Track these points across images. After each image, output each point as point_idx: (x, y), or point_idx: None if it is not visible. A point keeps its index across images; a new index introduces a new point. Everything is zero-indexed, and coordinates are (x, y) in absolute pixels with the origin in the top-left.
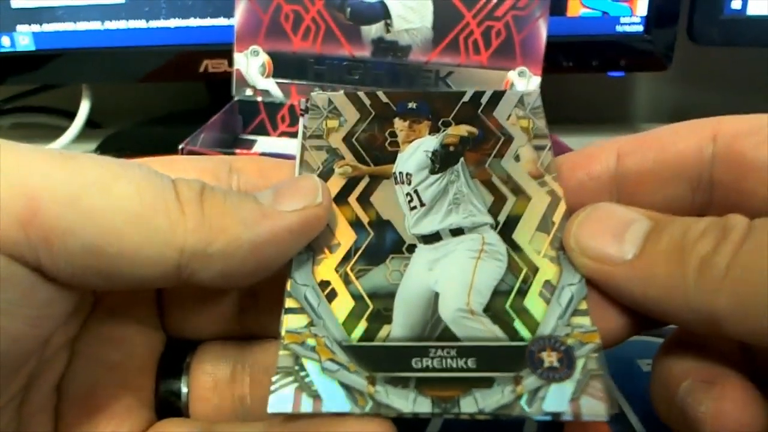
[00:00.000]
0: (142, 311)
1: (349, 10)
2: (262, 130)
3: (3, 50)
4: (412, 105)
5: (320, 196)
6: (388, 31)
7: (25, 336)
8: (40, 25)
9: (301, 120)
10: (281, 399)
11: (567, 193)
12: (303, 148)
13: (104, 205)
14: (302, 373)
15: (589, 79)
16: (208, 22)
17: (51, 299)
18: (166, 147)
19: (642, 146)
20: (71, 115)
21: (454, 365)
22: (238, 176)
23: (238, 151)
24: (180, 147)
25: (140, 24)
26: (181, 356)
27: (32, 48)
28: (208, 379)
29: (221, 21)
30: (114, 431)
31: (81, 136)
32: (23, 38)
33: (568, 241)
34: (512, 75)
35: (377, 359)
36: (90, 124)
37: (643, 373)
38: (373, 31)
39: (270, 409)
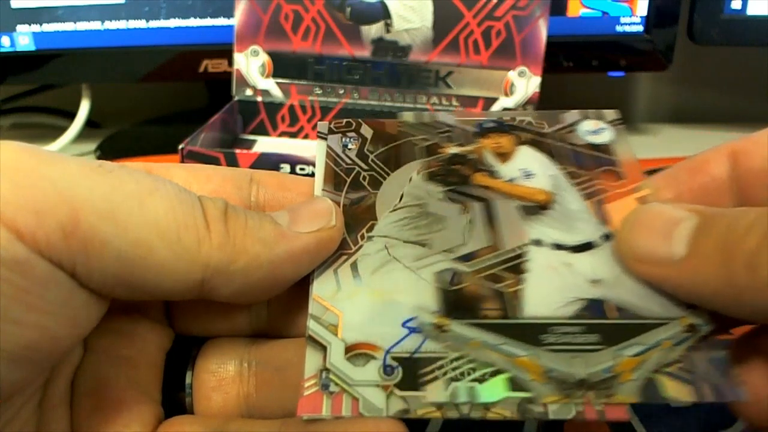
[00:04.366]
0: (151, 309)
1: (349, 9)
2: (262, 130)
3: (3, 50)
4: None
5: (334, 219)
6: (388, 31)
7: (64, 336)
8: (40, 25)
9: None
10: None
11: (691, 198)
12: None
13: (139, 220)
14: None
15: (589, 79)
16: (208, 22)
17: (86, 303)
18: (166, 147)
19: (756, 145)
20: (71, 115)
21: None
22: (257, 187)
23: (238, 151)
24: (180, 147)
25: (140, 24)
26: (187, 353)
27: (32, 48)
28: (213, 377)
29: (221, 21)
30: (124, 425)
31: (81, 136)
32: (23, 38)
33: (620, 246)
34: (512, 75)
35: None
36: (90, 124)
37: None
38: (373, 31)
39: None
